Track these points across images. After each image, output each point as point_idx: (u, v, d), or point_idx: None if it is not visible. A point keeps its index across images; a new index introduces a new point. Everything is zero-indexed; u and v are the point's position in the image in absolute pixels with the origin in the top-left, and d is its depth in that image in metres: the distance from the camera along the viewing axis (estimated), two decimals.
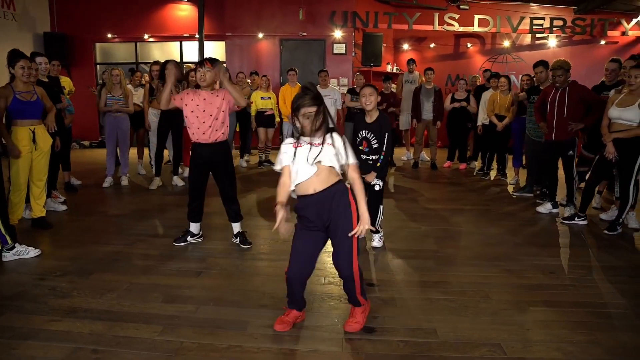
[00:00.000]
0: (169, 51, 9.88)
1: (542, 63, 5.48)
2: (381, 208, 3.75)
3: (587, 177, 4.66)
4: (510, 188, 6.27)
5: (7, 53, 3.90)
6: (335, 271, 2.39)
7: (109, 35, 9.80)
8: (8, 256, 3.35)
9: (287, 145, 2.27)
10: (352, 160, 2.23)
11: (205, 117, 3.46)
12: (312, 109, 2.15)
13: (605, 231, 4.25)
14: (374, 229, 3.48)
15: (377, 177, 3.59)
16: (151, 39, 9.82)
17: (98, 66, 10.08)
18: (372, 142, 3.55)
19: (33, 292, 2.84)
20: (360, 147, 3.59)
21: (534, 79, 5.82)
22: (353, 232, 2.21)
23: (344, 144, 2.23)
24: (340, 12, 9.44)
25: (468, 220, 4.67)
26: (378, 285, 3.01)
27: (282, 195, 2.27)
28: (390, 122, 3.69)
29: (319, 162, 2.18)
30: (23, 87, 3.88)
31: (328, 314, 2.59)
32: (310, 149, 2.20)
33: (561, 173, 4.83)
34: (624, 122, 4.09)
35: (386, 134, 3.48)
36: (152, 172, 6.51)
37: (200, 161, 3.57)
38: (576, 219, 4.53)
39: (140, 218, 4.53)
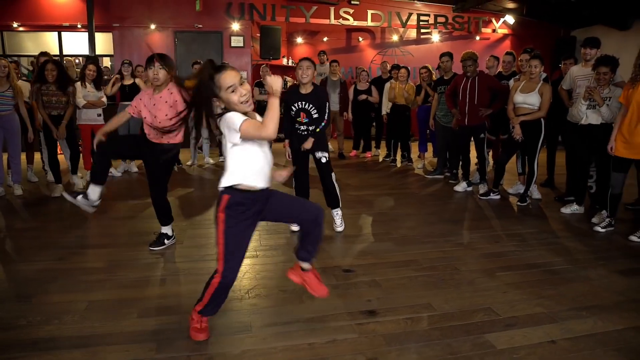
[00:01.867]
0: (45, 42, 8.67)
1: (447, 54, 6.00)
2: (335, 180, 3.85)
3: (498, 156, 5.24)
4: (419, 172, 6.74)
5: None
6: None
7: None
8: None
9: None
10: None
11: (159, 118, 3.21)
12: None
13: (518, 203, 4.83)
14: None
15: (321, 149, 3.71)
16: (22, 28, 8.52)
17: None
18: (312, 113, 3.62)
19: None
20: (298, 119, 3.66)
21: (438, 69, 6.31)
22: None
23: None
24: (237, 4, 9.23)
25: (399, 203, 4.94)
26: (356, 271, 3.05)
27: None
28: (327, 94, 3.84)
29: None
30: None
31: (321, 302, 2.53)
32: None
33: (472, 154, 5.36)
34: (527, 106, 4.66)
35: (327, 103, 3.61)
36: (47, 178, 5.73)
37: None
38: (491, 194, 5.07)
39: (59, 229, 3.95)
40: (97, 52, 8.68)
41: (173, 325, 2.35)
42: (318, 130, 3.66)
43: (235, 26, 9.29)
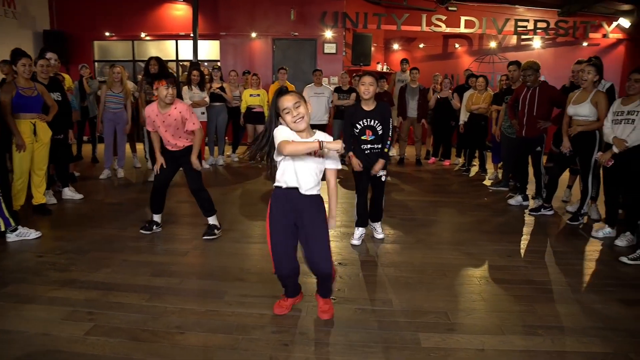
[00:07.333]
0: (165, 49, 10.16)
1: (515, 62, 5.81)
2: (384, 199, 3.92)
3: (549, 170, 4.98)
4: (488, 182, 6.59)
5: (10, 52, 4.21)
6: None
7: (107, 34, 10.09)
8: (11, 237, 3.66)
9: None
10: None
11: (171, 131, 3.72)
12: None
13: (568, 221, 4.57)
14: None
15: (383, 167, 3.66)
16: (148, 38, 10.12)
17: (96, 63, 10.37)
18: (378, 129, 3.57)
19: (35, 267, 3.16)
20: (364, 137, 3.59)
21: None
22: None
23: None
24: (331, 12, 9.75)
25: (440, 211, 4.99)
26: (344, 265, 3.32)
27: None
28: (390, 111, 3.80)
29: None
30: (24, 84, 4.18)
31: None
32: None
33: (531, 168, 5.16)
34: (580, 118, 4.39)
35: (390, 119, 3.59)
36: (148, 165, 6.83)
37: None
38: (542, 210, 4.85)
39: (135, 206, 4.83)
40: (207, 58, 9.93)
41: (173, 285, 2.91)
42: (387, 150, 3.60)
43: (329, 34, 9.84)
